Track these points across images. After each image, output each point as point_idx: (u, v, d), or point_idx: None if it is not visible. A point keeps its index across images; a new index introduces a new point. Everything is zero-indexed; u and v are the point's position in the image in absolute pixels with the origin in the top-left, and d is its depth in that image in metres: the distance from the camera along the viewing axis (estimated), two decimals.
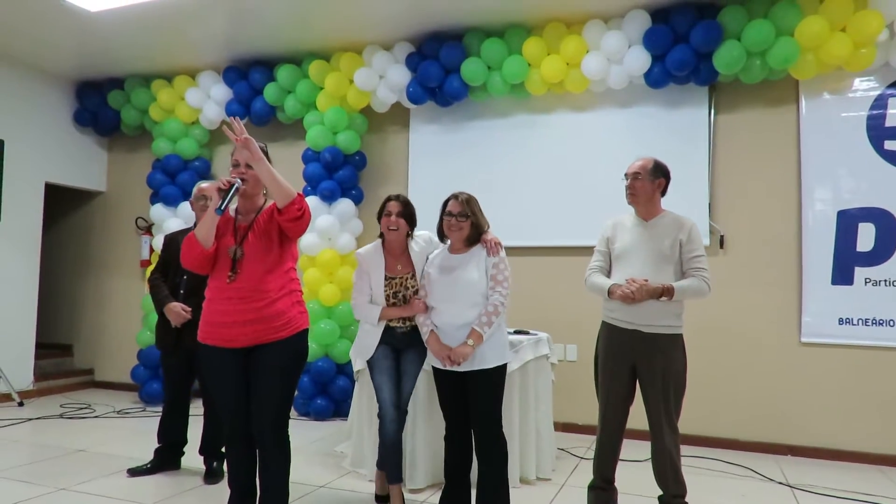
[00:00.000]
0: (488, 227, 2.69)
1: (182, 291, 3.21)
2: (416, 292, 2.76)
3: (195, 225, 2.77)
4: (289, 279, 2.37)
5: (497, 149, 4.68)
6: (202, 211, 3.13)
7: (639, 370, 2.59)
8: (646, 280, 2.52)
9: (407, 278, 2.80)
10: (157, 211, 5.36)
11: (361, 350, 2.83)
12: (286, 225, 2.26)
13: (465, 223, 2.61)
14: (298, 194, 2.25)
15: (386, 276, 2.76)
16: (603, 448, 2.68)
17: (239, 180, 2.26)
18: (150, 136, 5.60)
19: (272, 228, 2.33)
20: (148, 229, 5.68)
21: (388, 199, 2.83)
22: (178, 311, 3.16)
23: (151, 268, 5.35)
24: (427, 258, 2.81)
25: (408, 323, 2.80)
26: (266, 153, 2.38)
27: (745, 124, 4.15)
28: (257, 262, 2.29)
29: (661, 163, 2.70)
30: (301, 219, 2.25)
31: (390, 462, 2.74)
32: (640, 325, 2.56)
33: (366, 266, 2.80)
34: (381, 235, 2.86)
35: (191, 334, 2.99)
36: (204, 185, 3.21)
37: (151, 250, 5.54)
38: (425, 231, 2.94)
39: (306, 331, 2.41)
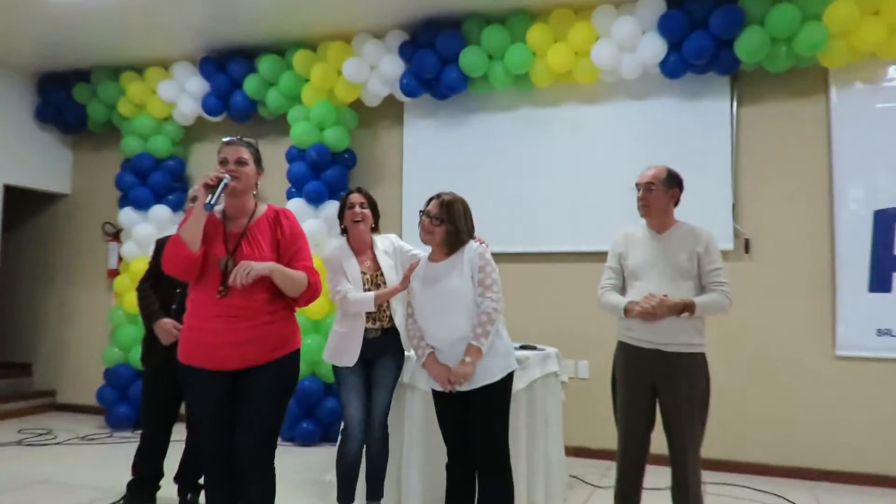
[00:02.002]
0: (472, 236, 2.68)
1: (174, 307, 3.16)
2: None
3: None
4: (282, 295, 2.36)
5: (499, 145, 4.67)
6: None
7: (659, 392, 2.60)
8: (665, 295, 2.53)
9: (377, 275, 2.95)
10: (127, 215, 5.34)
11: (340, 357, 2.90)
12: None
13: (439, 228, 2.60)
14: (310, 282, 2.32)
15: (361, 271, 2.91)
16: (624, 480, 2.67)
17: (228, 176, 2.25)
18: (118, 133, 5.59)
19: (267, 238, 2.32)
20: (116, 235, 5.66)
21: (349, 192, 3.04)
22: (169, 329, 3.11)
23: (120, 279, 5.35)
24: (394, 261, 2.97)
25: (379, 324, 2.90)
26: (257, 151, 2.41)
27: (770, 117, 4.16)
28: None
29: (674, 171, 2.73)
30: (307, 304, 2.37)
31: (346, 483, 2.86)
32: (660, 343, 2.57)
33: (336, 263, 2.92)
34: (345, 232, 3.03)
35: None
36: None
37: (120, 258, 5.52)
38: (392, 234, 3.11)
39: (298, 350, 2.41)
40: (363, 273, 2.94)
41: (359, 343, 2.85)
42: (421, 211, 2.67)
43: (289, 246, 2.35)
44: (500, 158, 4.66)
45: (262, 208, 2.41)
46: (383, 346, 2.90)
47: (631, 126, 4.40)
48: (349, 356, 2.87)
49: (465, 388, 2.50)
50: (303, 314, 4.59)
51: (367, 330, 2.87)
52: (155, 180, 5.35)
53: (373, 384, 2.92)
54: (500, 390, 2.53)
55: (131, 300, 4.77)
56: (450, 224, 2.60)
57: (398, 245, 3.11)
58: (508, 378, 2.56)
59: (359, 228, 2.97)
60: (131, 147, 5.36)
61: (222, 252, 2.28)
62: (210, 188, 2.22)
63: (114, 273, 5.61)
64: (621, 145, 4.38)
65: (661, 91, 4.33)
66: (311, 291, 2.34)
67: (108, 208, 5.74)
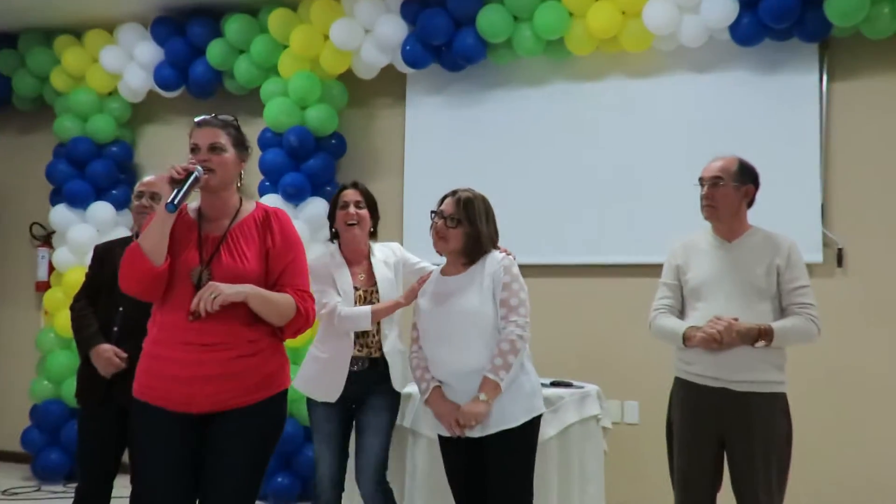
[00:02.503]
0: (496, 244, 2.72)
1: (116, 328, 3.18)
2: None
3: (136, 234, 2.74)
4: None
5: (526, 129, 4.69)
6: (140, 214, 3.12)
7: (728, 443, 2.61)
8: (735, 319, 2.53)
9: (372, 292, 2.99)
10: (60, 214, 5.39)
11: (317, 389, 2.95)
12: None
13: (455, 231, 2.63)
14: (300, 310, 2.30)
15: (353, 285, 2.97)
16: None
17: (200, 168, 2.23)
18: (51, 111, 5.65)
19: (254, 245, 2.32)
20: (47, 239, 5.71)
21: (343, 187, 3.08)
22: (108, 356, 3.13)
23: (52, 293, 5.38)
24: (394, 275, 3.03)
25: (366, 351, 2.93)
26: (238, 131, 2.38)
27: (869, 94, 4.15)
28: None
29: (747, 163, 2.75)
30: (298, 334, 2.39)
31: None
32: (729, 380, 2.58)
33: (324, 273, 2.96)
34: (335, 237, 3.08)
35: (125, 387, 2.97)
36: (149, 178, 3.21)
37: (51, 268, 5.56)
38: (395, 242, 3.18)
39: (286, 392, 2.40)
40: (356, 288, 2.97)
41: (343, 373, 2.88)
42: (433, 212, 2.70)
43: (280, 257, 2.32)
44: (526, 146, 4.68)
45: (249, 207, 2.40)
46: (371, 381, 2.92)
47: (693, 106, 4.40)
48: (330, 389, 2.90)
49: (477, 433, 2.52)
50: None
51: (351, 359, 2.90)
52: (95, 171, 5.38)
53: (361, 429, 2.93)
54: (522, 438, 2.55)
55: (65, 320, 4.79)
56: (469, 226, 2.63)
57: (402, 256, 3.14)
58: (533, 423, 2.59)
59: (353, 233, 2.99)
60: (66, 129, 5.41)
61: (195, 261, 2.26)
62: (176, 183, 2.19)
63: (43, 286, 5.65)
64: (680, 130, 4.39)
65: (732, 62, 4.33)
66: (302, 321, 2.32)
67: (36, 205, 5.78)
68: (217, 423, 2.25)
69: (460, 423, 2.50)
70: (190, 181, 2.19)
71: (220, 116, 2.38)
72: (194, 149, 2.30)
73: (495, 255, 2.66)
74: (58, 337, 5.26)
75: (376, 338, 2.96)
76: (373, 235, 3.10)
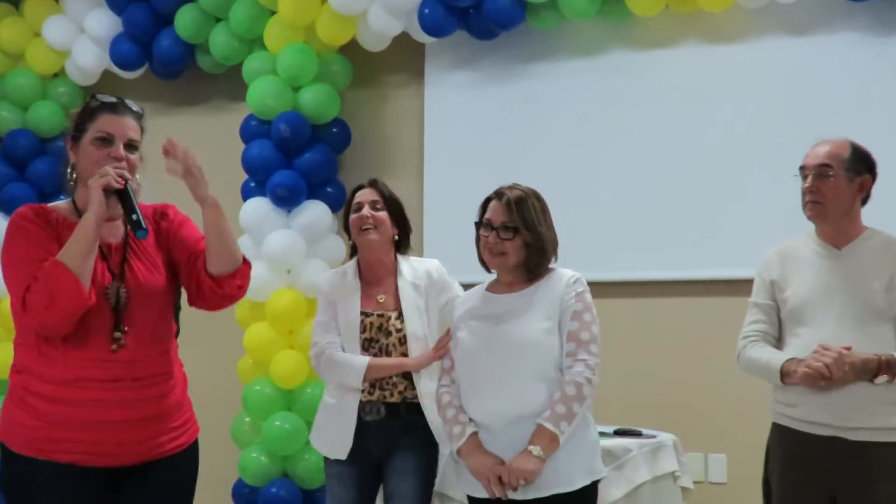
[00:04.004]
0: (556, 251, 2.74)
1: None
2: (402, 341, 2.92)
3: None
4: (176, 344, 2.46)
5: (576, 111, 4.70)
6: None
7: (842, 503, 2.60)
8: (848, 347, 2.53)
9: (391, 318, 2.96)
10: None
11: (329, 443, 2.97)
12: (207, 297, 2.38)
13: (512, 242, 2.64)
14: (245, 262, 2.39)
15: (361, 310, 2.95)
16: None
17: (126, 174, 2.25)
18: None
19: (160, 252, 2.38)
20: None
21: (358, 187, 3.09)
22: None
23: None
24: (425, 301, 2.99)
25: (378, 394, 2.91)
26: (140, 122, 2.40)
27: None
28: (150, 313, 2.32)
29: (862, 148, 2.75)
30: (233, 299, 2.42)
31: None
32: (842, 427, 2.59)
33: (329, 298, 2.99)
34: (355, 251, 3.09)
35: None
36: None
37: None
38: (434, 259, 3.12)
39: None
40: (364, 315, 2.96)
41: (350, 423, 2.89)
42: (477, 223, 2.72)
43: (188, 230, 2.44)
44: (576, 131, 4.69)
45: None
46: (393, 434, 2.89)
47: (790, 77, 4.39)
48: (336, 443, 2.92)
49: (521, 495, 2.51)
50: (270, 382, 4.63)
51: (362, 405, 2.90)
52: (38, 170, 5.47)
53: (387, 498, 2.93)
54: None
55: (5, 357, 4.86)
56: (528, 233, 2.64)
57: (439, 278, 3.08)
58: (593, 488, 2.59)
59: (368, 240, 2.97)
60: (3, 120, 5.50)
61: (106, 276, 2.27)
62: (116, 195, 2.21)
63: None
64: (774, 108, 4.38)
65: (838, 21, 4.32)
66: (243, 278, 2.41)
67: None
68: (138, 478, 2.30)
69: (503, 482, 2.50)
70: (133, 196, 2.23)
71: (131, 104, 2.38)
72: (106, 139, 2.28)
73: (563, 274, 2.68)
74: None
75: (393, 378, 2.94)
76: (401, 249, 3.09)
